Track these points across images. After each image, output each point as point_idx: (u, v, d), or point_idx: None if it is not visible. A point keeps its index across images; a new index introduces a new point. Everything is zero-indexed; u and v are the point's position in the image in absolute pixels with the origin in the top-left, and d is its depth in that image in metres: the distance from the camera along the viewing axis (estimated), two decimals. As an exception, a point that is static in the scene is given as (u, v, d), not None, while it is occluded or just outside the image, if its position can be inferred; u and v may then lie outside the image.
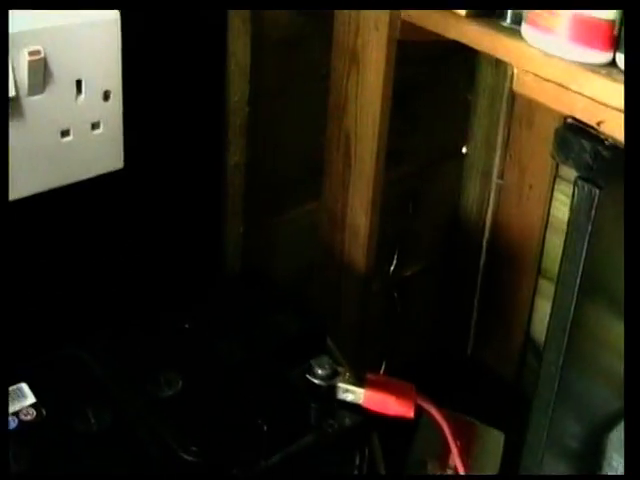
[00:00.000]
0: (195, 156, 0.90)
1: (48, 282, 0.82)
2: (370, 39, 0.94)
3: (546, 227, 1.18)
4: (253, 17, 0.89)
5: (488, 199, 1.24)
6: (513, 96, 1.15)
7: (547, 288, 1.19)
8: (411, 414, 0.78)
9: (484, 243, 1.26)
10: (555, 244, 1.17)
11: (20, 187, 0.73)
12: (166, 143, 0.87)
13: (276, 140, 1.00)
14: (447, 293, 1.30)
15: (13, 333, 0.78)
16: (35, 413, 0.72)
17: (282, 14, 0.93)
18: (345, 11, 0.95)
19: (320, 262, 1.10)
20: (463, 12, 0.84)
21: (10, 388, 0.73)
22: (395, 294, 1.22)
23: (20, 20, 0.70)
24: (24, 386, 0.74)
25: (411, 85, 1.08)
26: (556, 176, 1.15)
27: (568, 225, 0.78)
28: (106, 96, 0.76)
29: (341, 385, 0.77)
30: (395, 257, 1.18)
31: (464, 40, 0.85)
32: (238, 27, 0.88)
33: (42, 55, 0.70)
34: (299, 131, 1.02)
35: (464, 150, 1.24)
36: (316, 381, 0.76)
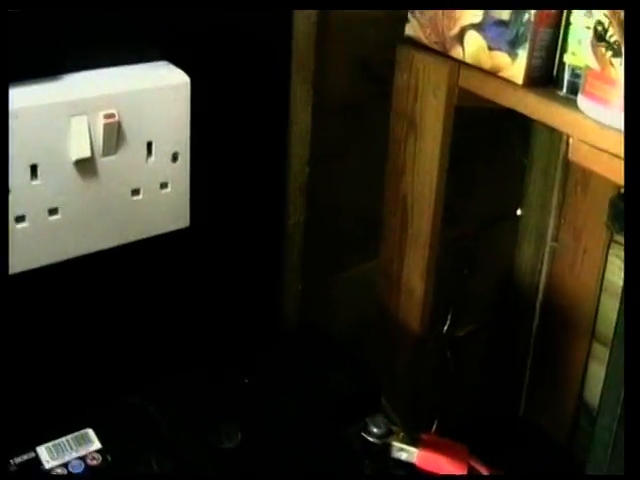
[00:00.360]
0: (256, 215, 0.93)
1: (117, 332, 0.85)
2: (428, 105, 0.97)
3: (601, 291, 1.18)
4: (315, 82, 0.92)
5: (542, 261, 1.24)
6: (568, 160, 1.16)
7: (601, 352, 1.19)
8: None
9: (538, 305, 1.26)
10: (610, 308, 1.16)
11: (91, 242, 0.77)
12: (230, 202, 0.90)
13: (335, 201, 1.02)
14: (500, 354, 1.31)
15: (81, 381, 0.81)
16: (101, 458, 0.74)
17: (344, 79, 0.97)
18: (404, 77, 0.99)
19: (376, 320, 1.11)
20: (520, 81, 0.86)
21: (77, 433, 0.76)
22: (448, 353, 1.23)
23: (96, 84, 0.74)
24: (90, 432, 0.77)
25: (468, 148, 1.11)
26: (611, 240, 1.15)
27: (623, 292, 0.79)
28: (174, 157, 0.79)
29: (395, 444, 0.78)
30: (449, 316, 1.20)
31: (520, 109, 0.88)
32: (300, 92, 0.92)
33: (116, 118, 0.74)
34: (357, 192, 1.05)
35: (519, 212, 1.25)
36: (371, 439, 0.77)
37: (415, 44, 0.97)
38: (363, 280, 1.09)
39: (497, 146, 1.17)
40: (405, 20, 0.97)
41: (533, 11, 0.84)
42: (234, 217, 0.91)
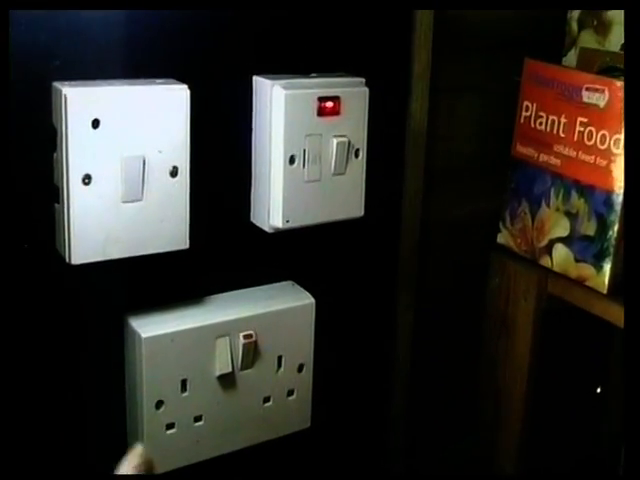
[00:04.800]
0: (363, 415, 1.03)
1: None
2: (519, 308, 1.05)
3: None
4: (417, 291, 1.03)
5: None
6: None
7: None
8: None
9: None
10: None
11: (228, 444, 0.87)
12: (343, 406, 1.00)
13: (433, 399, 1.12)
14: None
15: None
16: None
17: (442, 288, 1.08)
18: (496, 281, 1.08)
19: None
20: (604, 290, 0.95)
21: None
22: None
23: (235, 308, 0.85)
24: None
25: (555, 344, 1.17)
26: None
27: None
28: (300, 368, 0.89)
29: None
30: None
31: (605, 316, 0.95)
32: (403, 297, 1.02)
33: (254, 338, 0.85)
34: (453, 385, 1.14)
35: (599, 390, 1.31)
36: None
37: (506, 251, 1.06)
38: (461, 457, 1.17)
39: (581, 339, 1.24)
40: (497, 230, 1.07)
41: (616, 227, 0.93)
42: (346, 418, 1.01)
